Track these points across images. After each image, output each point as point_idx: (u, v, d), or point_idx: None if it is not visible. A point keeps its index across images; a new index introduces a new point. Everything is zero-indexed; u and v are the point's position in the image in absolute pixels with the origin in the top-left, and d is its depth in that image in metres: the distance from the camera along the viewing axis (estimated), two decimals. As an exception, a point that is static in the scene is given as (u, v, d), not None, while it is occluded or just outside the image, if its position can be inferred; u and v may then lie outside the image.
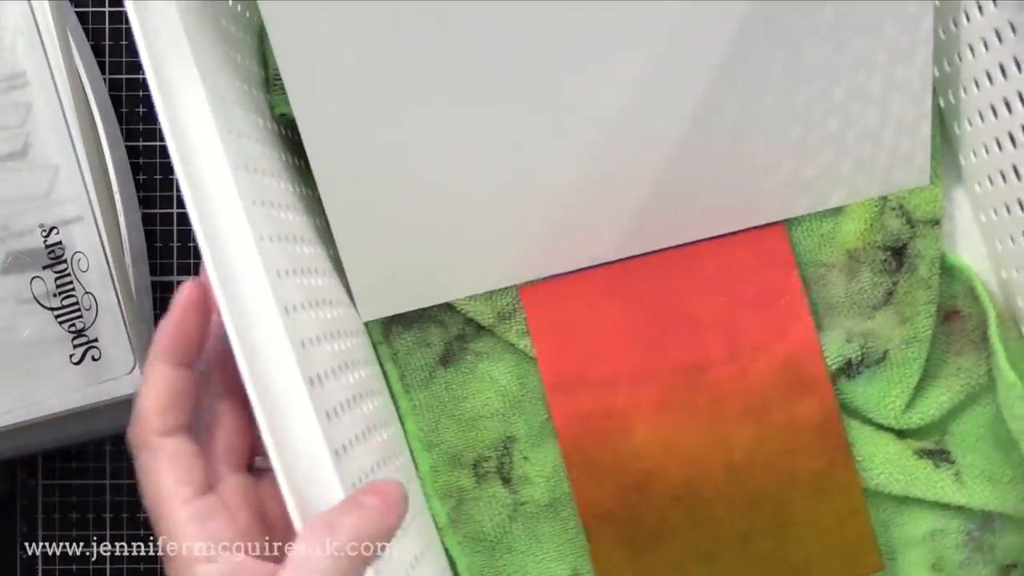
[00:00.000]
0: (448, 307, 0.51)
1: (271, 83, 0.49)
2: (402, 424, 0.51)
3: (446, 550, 0.51)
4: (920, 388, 0.50)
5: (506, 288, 0.50)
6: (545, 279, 0.51)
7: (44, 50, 0.48)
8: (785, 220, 0.50)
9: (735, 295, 0.50)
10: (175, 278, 0.54)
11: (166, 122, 0.36)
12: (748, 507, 0.50)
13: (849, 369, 0.50)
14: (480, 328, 0.51)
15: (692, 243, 0.50)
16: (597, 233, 0.50)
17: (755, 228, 0.50)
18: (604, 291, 0.50)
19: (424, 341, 0.51)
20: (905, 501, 0.50)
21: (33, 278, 0.48)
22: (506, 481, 0.51)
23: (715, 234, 0.50)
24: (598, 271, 0.51)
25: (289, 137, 0.50)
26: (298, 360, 0.37)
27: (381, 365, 0.52)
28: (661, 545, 0.50)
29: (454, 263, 0.50)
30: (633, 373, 0.50)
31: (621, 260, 0.50)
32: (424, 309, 0.51)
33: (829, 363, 0.50)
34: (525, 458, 0.51)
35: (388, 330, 0.51)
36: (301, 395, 0.37)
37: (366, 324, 0.51)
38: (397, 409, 0.52)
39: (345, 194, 0.47)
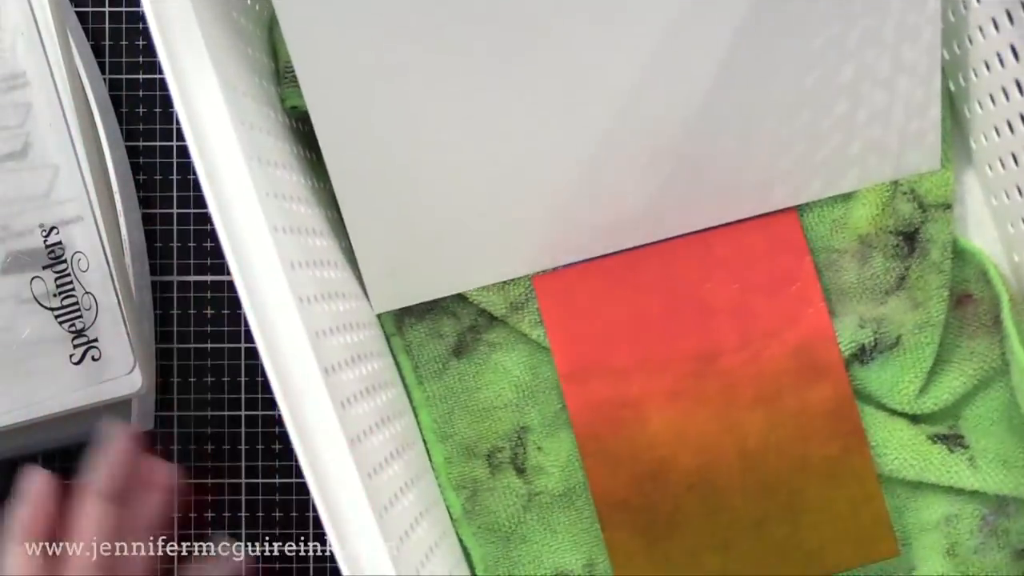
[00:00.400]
0: (460, 298, 0.51)
1: (281, 75, 0.49)
2: (415, 415, 0.51)
3: (460, 541, 0.51)
4: (933, 373, 0.50)
5: (518, 278, 0.50)
6: (557, 268, 0.51)
7: (44, 50, 0.48)
8: (797, 206, 0.50)
9: (747, 282, 0.50)
10: (175, 278, 0.54)
11: (182, 111, 0.36)
12: (762, 494, 0.50)
13: (862, 355, 0.50)
14: (493, 319, 0.51)
15: (704, 230, 0.50)
16: (609, 222, 0.50)
17: (767, 215, 0.50)
18: (617, 279, 0.50)
19: (437, 332, 0.51)
20: (919, 486, 0.50)
21: (33, 278, 0.48)
22: (520, 471, 0.51)
23: (726, 221, 0.50)
24: (610, 260, 0.50)
25: (300, 130, 0.50)
26: (314, 350, 0.38)
27: (394, 357, 0.52)
28: (676, 533, 0.50)
29: (466, 254, 0.50)
30: (646, 361, 0.50)
31: (633, 248, 0.50)
32: (436, 300, 0.51)
33: (842, 349, 0.50)
34: (539, 448, 0.51)
35: (401, 322, 0.51)
36: (318, 384, 0.38)
37: (379, 316, 0.51)
38: (411, 400, 0.52)
39: (357, 186, 0.47)
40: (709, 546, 0.50)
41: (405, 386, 0.52)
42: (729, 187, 0.50)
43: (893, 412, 0.50)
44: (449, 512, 0.51)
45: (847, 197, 0.50)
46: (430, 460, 0.51)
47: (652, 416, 0.50)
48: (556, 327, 0.50)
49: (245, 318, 0.53)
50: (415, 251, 0.49)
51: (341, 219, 0.48)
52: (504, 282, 0.50)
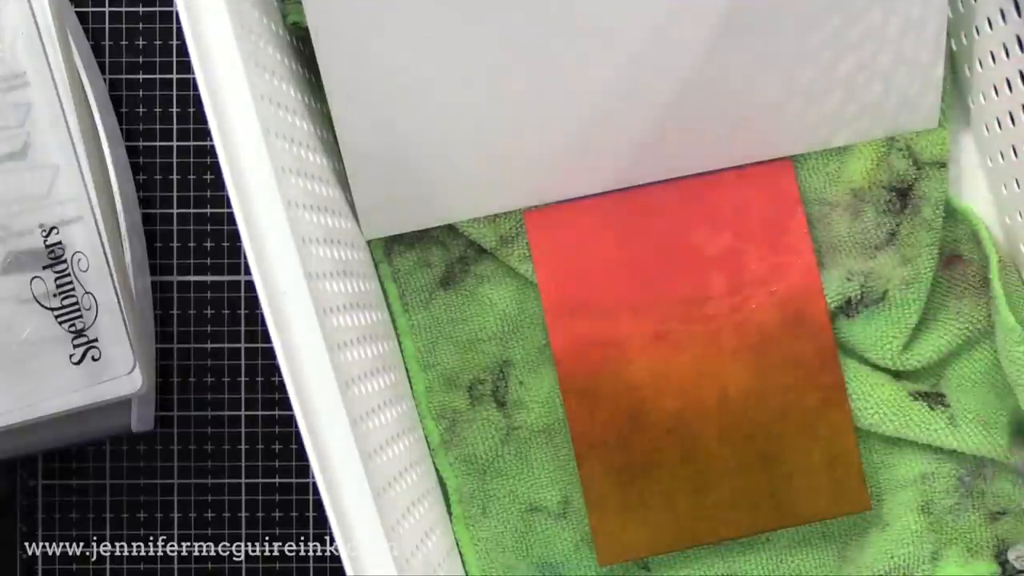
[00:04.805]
0: (451, 229, 0.51)
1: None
2: (399, 343, 0.52)
3: (437, 471, 0.51)
4: (918, 330, 0.50)
5: (510, 212, 0.51)
6: (550, 205, 0.51)
7: (44, 50, 0.48)
8: (792, 157, 0.50)
9: (739, 230, 0.50)
10: (175, 278, 0.54)
11: (183, 7, 0.36)
12: (739, 442, 0.50)
13: (848, 308, 0.50)
14: (482, 251, 0.51)
15: (699, 175, 0.50)
16: (604, 160, 0.50)
17: (762, 164, 0.50)
18: (609, 219, 0.50)
19: (425, 262, 0.51)
20: (897, 443, 0.50)
21: (33, 278, 0.48)
22: (501, 405, 0.51)
23: (721, 167, 0.50)
24: (603, 199, 0.51)
25: (300, 49, 0.50)
26: (299, 254, 0.38)
27: (381, 284, 0.52)
28: (651, 475, 0.50)
29: (459, 185, 0.50)
30: (633, 302, 0.50)
31: (627, 189, 0.50)
32: (426, 230, 0.51)
33: (828, 301, 0.50)
34: (521, 383, 0.51)
35: (390, 249, 0.51)
36: (302, 289, 0.38)
37: (368, 243, 0.51)
38: (395, 328, 0.52)
39: (354, 107, 0.47)
40: (683, 489, 0.50)
41: (391, 314, 0.52)
42: (726, 134, 0.50)
43: (876, 367, 0.50)
44: (427, 442, 0.51)
45: (843, 150, 0.50)
46: (411, 388, 0.52)
47: (635, 357, 0.50)
48: (544, 263, 0.50)
49: (245, 318, 0.54)
50: (408, 179, 0.49)
51: (336, 142, 0.48)
52: (496, 215, 0.51)
